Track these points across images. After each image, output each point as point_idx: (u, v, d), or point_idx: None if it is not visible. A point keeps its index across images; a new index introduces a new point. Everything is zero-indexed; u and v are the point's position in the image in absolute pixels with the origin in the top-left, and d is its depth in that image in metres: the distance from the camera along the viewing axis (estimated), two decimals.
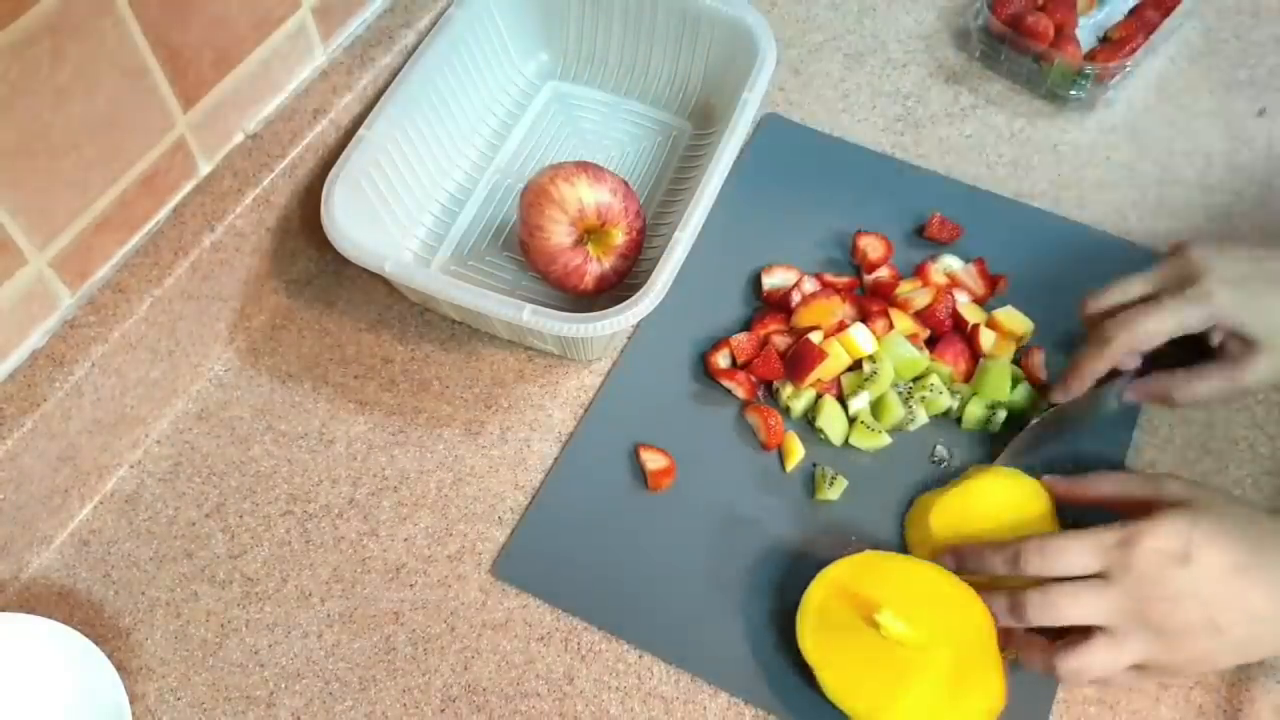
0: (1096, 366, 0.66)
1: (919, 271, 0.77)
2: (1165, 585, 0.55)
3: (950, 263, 0.77)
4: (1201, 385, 0.65)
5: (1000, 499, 0.65)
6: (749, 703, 0.63)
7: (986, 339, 0.72)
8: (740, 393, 0.73)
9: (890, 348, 0.71)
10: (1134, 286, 0.66)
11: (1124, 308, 0.65)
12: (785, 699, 0.62)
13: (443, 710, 0.63)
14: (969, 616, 0.60)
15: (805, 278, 0.76)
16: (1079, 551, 0.57)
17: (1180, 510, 0.57)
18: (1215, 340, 0.65)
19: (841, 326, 0.72)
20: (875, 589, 0.61)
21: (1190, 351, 0.66)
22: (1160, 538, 0.56)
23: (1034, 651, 0.59)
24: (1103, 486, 0.63)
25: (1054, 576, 0.58)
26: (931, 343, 0.73)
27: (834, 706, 0.60)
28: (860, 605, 0.60)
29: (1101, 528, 0.57)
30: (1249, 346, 0.63)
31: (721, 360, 0.74)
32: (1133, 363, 0.67)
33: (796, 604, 0.62)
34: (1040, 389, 0.71)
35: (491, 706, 0.63)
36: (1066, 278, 0.75)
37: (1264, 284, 0.63)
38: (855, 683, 0.59)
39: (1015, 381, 0.71)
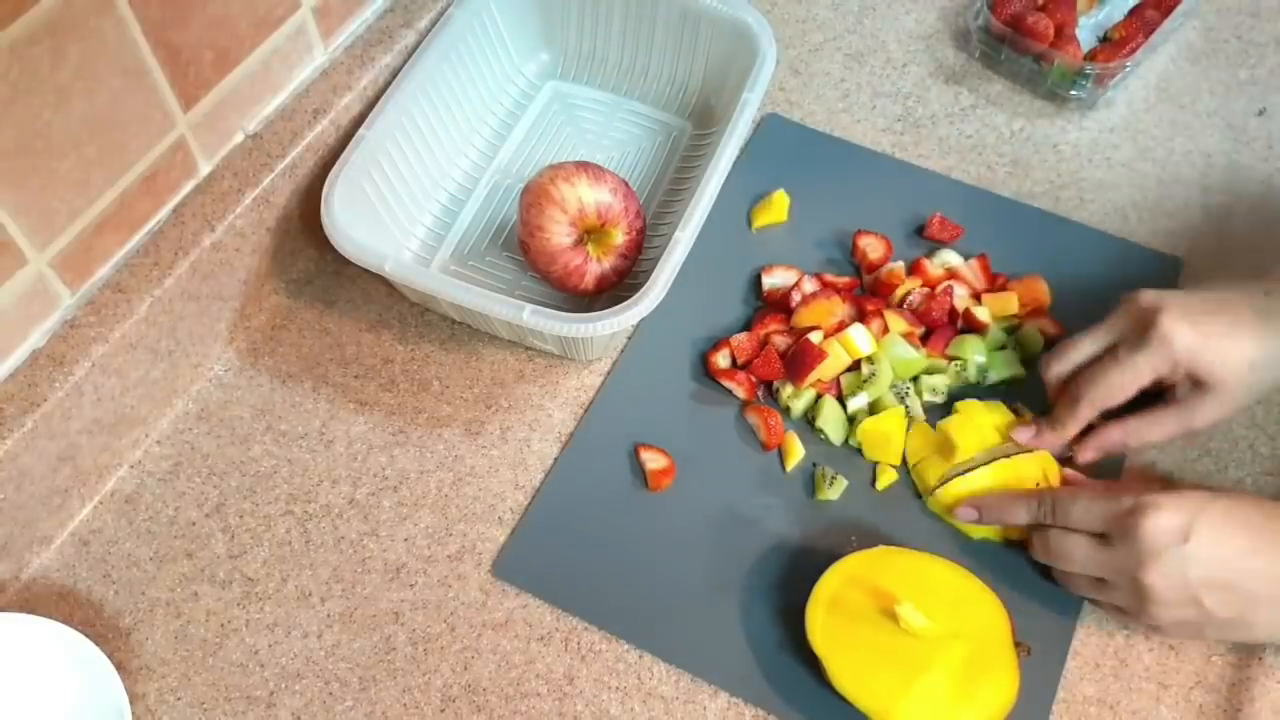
0: (1068, 430, 0.65)
1: (916, 267, 0.77)
2: (1158, 558, 0.57)
3: (948, 257, 0.77)
4: (1154, 431, 0.64)
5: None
6: (749, 703, 0.63)
7: (981, 313, 0.73)
8: (740, 393, 0.73)
9: (888, 349, 0.71)
10: (1089, 343, 0.65)
11: (1084, 366, 0.65)
12: (785, 699, 0.62)
13: (443, 710, 0.63)
14: (984, 612, 0.61)
15: (805, 278, 0.76)
16: (1092, 514, 0.60)
17: (1196, 493, 0.59)
18: (1170, 383, 0.63)
19: (841, 326, 0.72)
20: (891, 583, 0.61)
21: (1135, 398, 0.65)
22: (1165, 513, 0.57)
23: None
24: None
25: (1070, 528, 0.62)
26: (925, 336, 0.73)
27: (836, 704, 0.60)
28: (875, 597, 0.61)
29: (1118, 494, 0.60)
30: (1200, 388, 0.62)
31: (721, 360, 0.74)
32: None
33: (797, 604, 0.63)
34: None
35: (491, 706, 0.63)
36: (1066, 278, 0.75)
37: (1221, 324, 0.61)
38: (864, 674, 0.59)
39: (995, 348, 0.72)
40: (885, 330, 0.72)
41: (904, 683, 0.59)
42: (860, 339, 0.70)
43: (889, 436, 0.69)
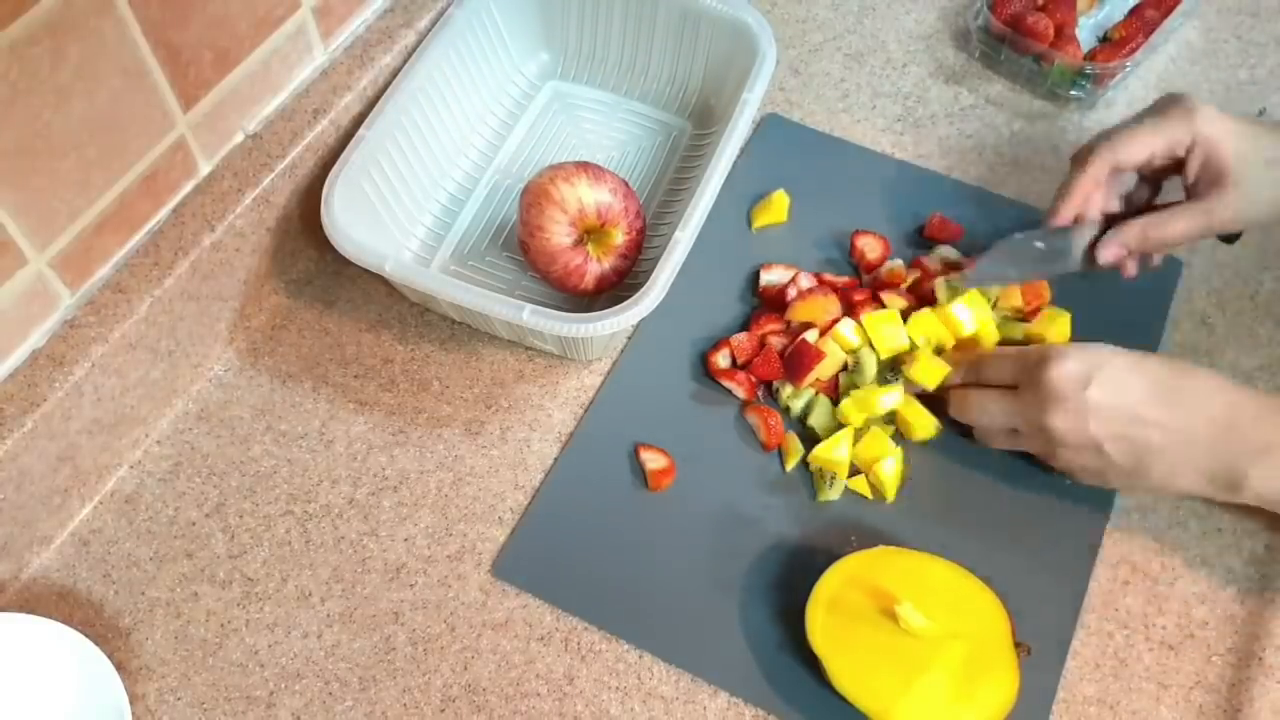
0: (1082, 185, 0.67)
1: (916, 264, 0.76)
2: (1061, 403, 0.61)
3: (948, 253, 0.77)
4: (1173, 225, 0.66)
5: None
6: (749, 703, 0.63)
7: (940, 291, 0.73)
8: (740, 393, 0.73)
9: (874, 329, 0.70)
10: (1122, 125, 0.68)
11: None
12: (785, 699, 0.62)
13: (443, 710, 0.63)
14: (983, 612, 0.61)
15: (802, 274, 0.76)
16: (1005, 367, 0.65)
17: (1104, 346, 0.62)
18: (1191, 173, 0.65)
19: (835, 323, 0.72)
20: (891, 583, 0.61)
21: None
22: (1070, 361, 0.61)
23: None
24: None
25: (985, 383, 0.66)
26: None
27: (836, 704, 0.60)
28: (875, 597, 0.61)
29: (1029, 348, 0.65)
30: (1219, 181, 0.64)
31: (721, 360, 0.74)
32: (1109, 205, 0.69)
33: (797, 604, 0.63)
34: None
35: (491, 706, 0.63)
36: (1066, 277, 0.75)
37: (1244, 124, 0.64)
38: (864, 674, 0.59)
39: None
40: (881, 308, 0.72)
41: (904, 683, 0.59)
42: (848, 332, 0.71)
43: (838, 463, 0.68)
